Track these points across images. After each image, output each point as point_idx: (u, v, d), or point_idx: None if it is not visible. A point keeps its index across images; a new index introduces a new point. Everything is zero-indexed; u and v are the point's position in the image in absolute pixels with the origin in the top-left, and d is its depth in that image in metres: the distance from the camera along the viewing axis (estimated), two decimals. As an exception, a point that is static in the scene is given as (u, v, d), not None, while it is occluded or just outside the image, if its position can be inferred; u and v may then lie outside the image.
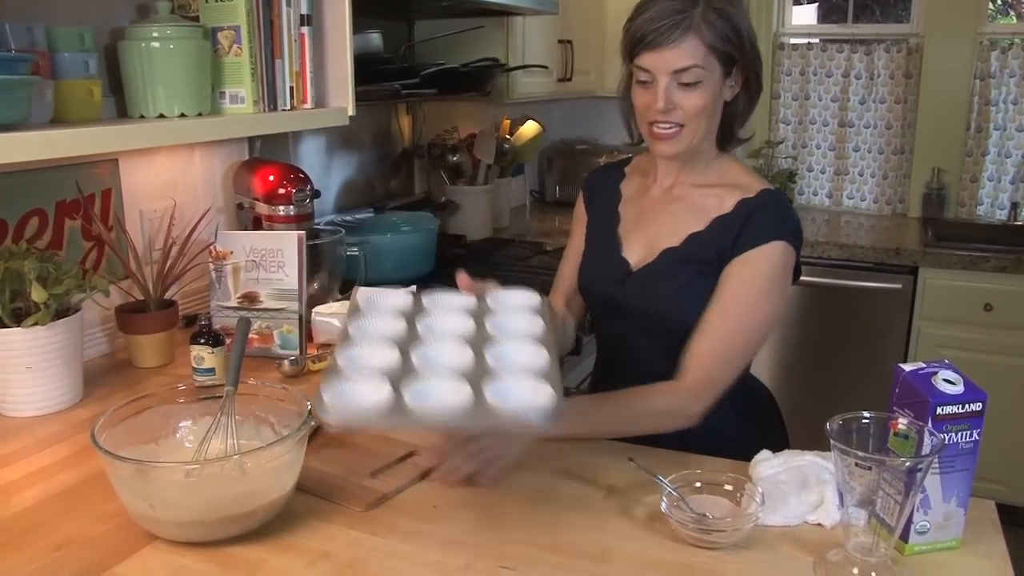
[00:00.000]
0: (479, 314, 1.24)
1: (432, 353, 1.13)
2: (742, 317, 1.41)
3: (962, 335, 3.21)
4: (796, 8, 4.06)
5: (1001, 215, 3.73)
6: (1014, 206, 3.69)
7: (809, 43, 3.93)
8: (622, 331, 1.51)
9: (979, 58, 3.64)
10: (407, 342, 1.16)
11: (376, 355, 1.12)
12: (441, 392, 1.04)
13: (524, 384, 1.06)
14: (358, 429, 1.03)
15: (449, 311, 1.25)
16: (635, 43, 1.40)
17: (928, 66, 3.73)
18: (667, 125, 1.41)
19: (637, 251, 1.54)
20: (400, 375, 1.07)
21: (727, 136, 1.52)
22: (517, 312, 1.25)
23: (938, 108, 3.74)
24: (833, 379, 3.37)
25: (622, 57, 1.46)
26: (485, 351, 1.13)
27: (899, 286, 3.24)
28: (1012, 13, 3.89)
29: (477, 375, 1.07)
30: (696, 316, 1.43)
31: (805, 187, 4.05)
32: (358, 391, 1.04)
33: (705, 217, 1.47)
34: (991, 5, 3.72)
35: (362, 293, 1.30)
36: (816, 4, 4.14)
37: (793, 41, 3.98)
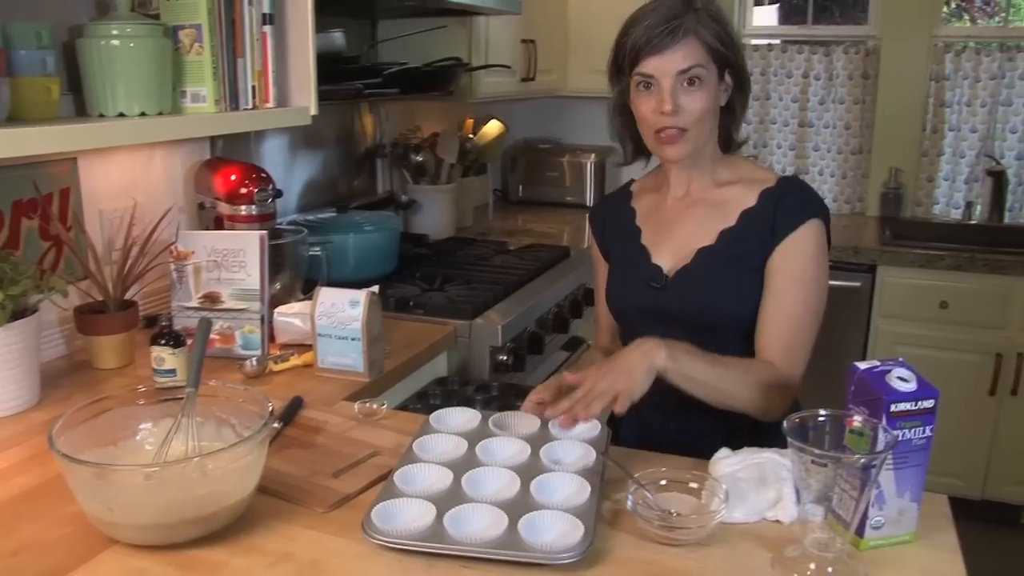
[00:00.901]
0: (537, 440, 1.32)
1: (481, 479, 1.21)
2: (805, 299, 1.46)
3: (919, 332, 3.28)
4: (757, 9, 4.11)
5: (956, 214, 3.80)
6: (968, 205, 3.76)
7: (770, 44, 3.98)
8: (663, 335, 1.43)
9: (934, 60, 3.71)
10: (462, 465, 1.25)
11: (431, 477, 1.22)
12: (479, 521, 1.11)
13: (559, 521, 1.11)
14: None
15: (510, 436, 1.34)
16: (637, 51, 1.43)
17: (885, 68, 3.79)
18: (672, 129, 1.45)
19: (667, 257, 1.55)
20: (447, 499, 1.15)
21: (728, 139, 1.56)
22: (574, 443, 1.32)
23: (895, 109, 3.81)
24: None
25: (614, 72, 1.51)
26: (531, 482, 1.19)
27: (858, 284, 3.30)
28: (965, 16, 3.95)
29: (518, 507, 1.14)
30: (747, 310, 1.48)
31: (766, 186, 4.09)
32: (405, 512, 1.13)
33: (731, 213, 1.51)
34: (944, 8, 3.79)
35: (435, 415, 1.42)
36: (776, 5, 4.18)
37: (754, 42, 4.02)
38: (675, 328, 1.46)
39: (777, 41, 4.00)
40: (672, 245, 1.55)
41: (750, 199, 1.50)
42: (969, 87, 3.69)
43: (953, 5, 3.89)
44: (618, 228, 1.65)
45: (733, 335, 1.48)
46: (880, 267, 3.28)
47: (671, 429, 1.56)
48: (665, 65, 1.41)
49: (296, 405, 1.53)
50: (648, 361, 1.33)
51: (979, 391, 3.24)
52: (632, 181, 1.72)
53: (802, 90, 3.92)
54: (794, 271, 1.46)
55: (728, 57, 1.45)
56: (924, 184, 3.83)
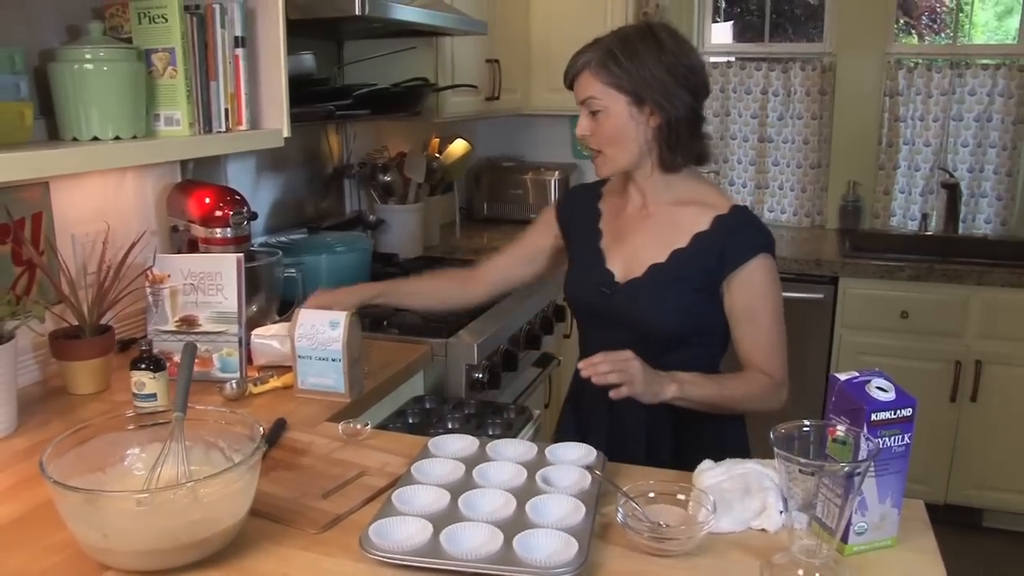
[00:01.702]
0: (534, 465, 1.35)
1: (477, 501, 1.23)
2: (772, 319, 1.61)
3: (881, 342, 3.34)
4: (715, 27, 4.18)
5: (913, 226, 3.89)
6: (924, 217, 3.85)
7: (728, 61, 4.05)
8: (607, 337, 1.60)
9: (887, 76, 3.80)
10: (459, 487, 1.26)
11: (428, 497, 1.23)
12: (475, 538, 1.13)
13: (553, 539, 1.13)
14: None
15: (506, 461, 1.36)
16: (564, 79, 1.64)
17: (841, 84, 3.88)
18: (591, 151, 1.65)
19: (620, 264, 1.68)
20: (443, 518, 1.17)
21: (666, 160, 1.63)
22: (569, 467, 1.34)
23: (851, 124, 3.89)
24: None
25: None
26: (527, 503, 1.21)
27: (821, 296, 3.35)
28: (914, 33, 4.06)
29: (513, 526, 1.16)
30: (682, 325, 1.62)
31: (727, 201, 4.15)
32: (402, 529, 1.15)
33: (685, 233, 1.62)
34: (894, 25, 3.88)
35: (433, 440, 1.44)
36: (731, 23, 4.25)
37: (713, 59, 4.09)
38: (617, 331, 1.61)
39: (734, 59, 4.06)
40: (624, 253, 1.68)
41: (704, 223, 1.62)
42: (922, 102, 3.78)
43: (902, 22, 3.99)
44: (583, 224, 1.77)
45: (664, 344, 1.61)
46: (842, 279, 3.34)
47: (602, 420, 1.71)
48: (575, 95, 1.62)
49: (280, 427, 1.53)
50: (658, 392, 1.48)
51: (940, 398, 3.31)
52: (605, 181, 1.81)
53: (761, 106, 3.99)
54: (757, 301, 1.61)
55: (635, 90, 1.55)
56: (881, 197, 3.92)
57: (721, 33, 4.22)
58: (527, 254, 1.92)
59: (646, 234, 1.66)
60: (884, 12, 3.80)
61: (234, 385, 1.73)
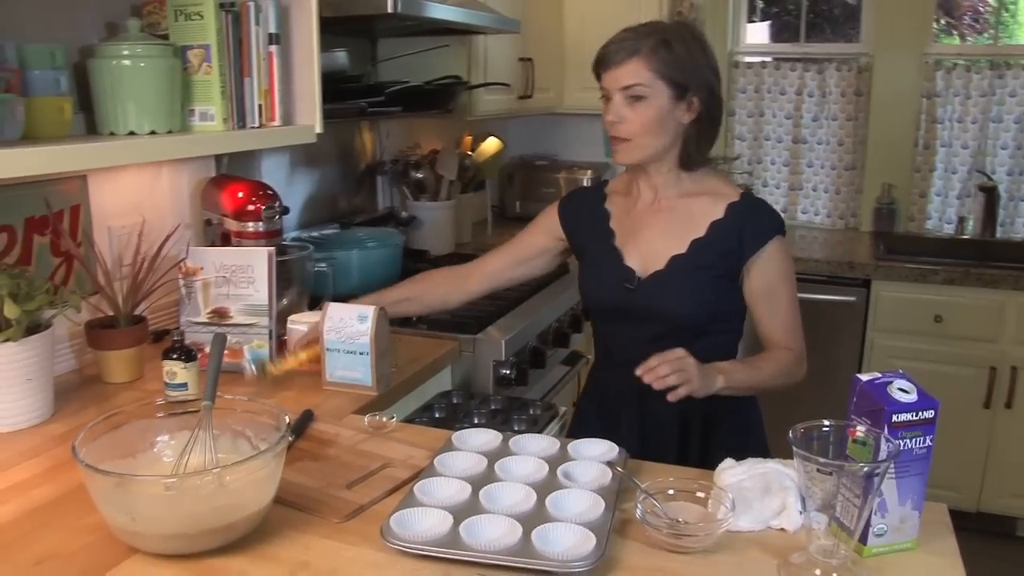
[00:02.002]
0: (556, 461, 1.36)
1: (498, 494, 1.24)
2: (789, 298, 1.69)
3: (913, 346, 3.31)
4: (750, 26, 4.16)
5: (949, 229, 3.85)
6: (961, 220, 3.81)
7: (763, 61, 4.03)
8: (632, 333, 1.67)
9: (925, 77, 3.76)
10: (481, 480, 1.28)
11: (449, 489, 1.25)
12: (494, 530, 1.14)
13: (572, 533, 1.14)
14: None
15: (528, 455, 1.37)
16: (595, 65, 1.64)
17: (877, 85, 3.85)
18: (616, 139, 1.64)
19: (637, 260, 1.70)
20: (464, 510, 1.19)
21: (686, 157, 1.68)
22: (590, 463, 1.35)
23: (888, 125, 3.86)
24: (792, 390, 3.44)
25: None
26: (547, 497, 1.23)
27: (853, 298, 3.33)
28: (955, 33, 4.01)
29: (532, 519, 1.17)
30: (706, 312, 1.66)
31: (760, 202, 4.14)
32: (422, 520, 1.16)
33: (701, 223, 1.67)
34: (934, 25, 3.84)
35: (457, 434, 1.45)
36: (768, 23, 4.23)
37: (747, 59, 4.07)
38: (641, 325, 1.66)
39: (770, 59, 4.04)
40: (641, 249, 1.70)
41: (718, 211, 1.67)
42: (960, 104, 3.74)
43: (943, 22, 3.94)
44: (592, 227, 1.78)
45: (688, 334, 1.62)
46: (875, 282, 3.31)
47: (631, 417, 1.72)
48: (612, 81, 1.61)
49: (307, 418, 1.56)
50: (710, 385, 1.54)
51: (974, 404, 3.28)
52: (606, 182, 1.84)
53: (796, 107, 3.97)
54: (776, 281, 1.67)
55: (683, 82, 1.60)
56: (917, 199, 3.88)
57: (756, 33, 4.20)
58: (525, 255, 1.93)
59: (661, 228, 1.69)
60: (922, 12, 3.76)
61: (252, 368, 1.75)
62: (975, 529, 3.22)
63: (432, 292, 2.00)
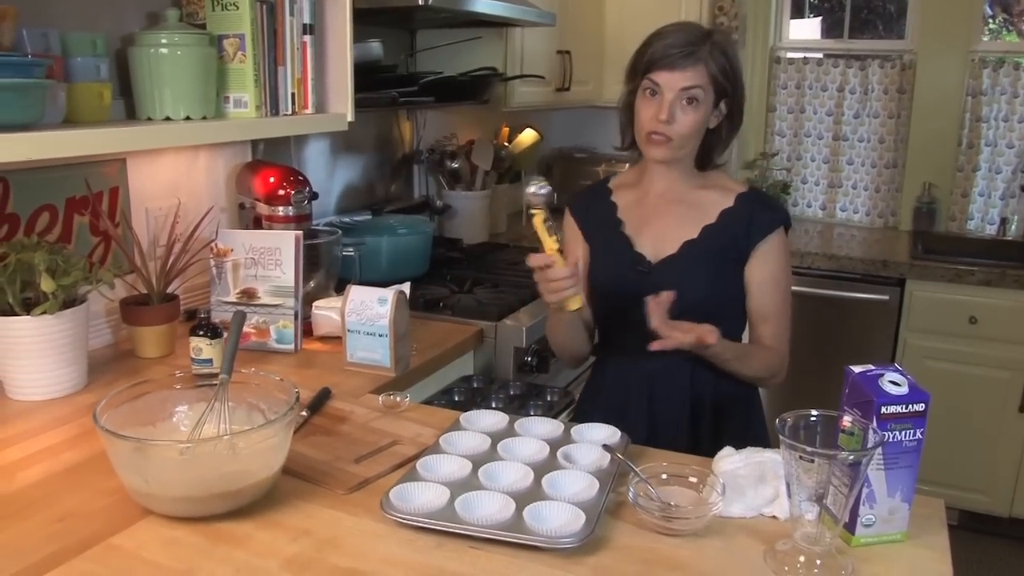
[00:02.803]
0: (558, 443, 1.40)
1: (497, 472, 1.29)
2: (784, 294, 1.74)
3: (947, 347, 3.28)
4: (795, 23, 4.14)
5: (991, 230, 3.80)
6: (1003, 221, 3.76)
7: (805, 57, 4.01)
8: (643, 317, 1.62)
9: (971, 75, 3.72)
10: (482, 459, 1.33)
11: (451, 466, 1.30)
12: (488, 506, 1.19)
13: (563, 512, 1.18)
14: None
15: (531, 437, 1.42)
16: (653, 61, 1.64)
17: (921, 82, 3.81)
18: (661, 136, 1.65)
19: (649, 247, 1.74)
20: (462, 487, 1.23)
21: (705, 159, 1.75)
22: (591, 446, 1.39)
23: (930, 124, 3.82)
24: (820, 386, 3.42)
25: (630, 73, 1.71)
26: (544, 477, 1.27)
27: (886, 297, 3.31)
28: (1013, 30, 3.93)
29: (527, 497, 1.21)
30: (719, 294, 1.71)
31: (799, 199, 4.12)
32: (421, 494, 1.21)
33: (712, 211, 1.72)
34: (992, 23, 3.78)
35: (465, 415, 1.50)
36: (819, 18, 4.20)
37: (790, 55, 4.06)
38: None
39: (817, 55, 4.02)
40: (653, 235, 1.74)
41: (728, 201, 1.73)
42: (1007, 102, 3.69)
43: (1000, 19, 3.88)
44: (599, 219, 1.81)
45: (701, 317, 1.61)
46: (909, 281, 3.29)
47: (640, 406, 1.76)
48: (673, 81, 1.62)
49: (324, 396, 1.62)
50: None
51: (1008, 407, 3.24)
52: (608, 179, 1.89)
53: (837, 103, 3.95)
54: (775, 273, 1.72)
55: (726, 88, 1.66)
56: (959, 199, 3.83)
57: (800, 29, 4.17)
58: (583, 272, 1.79)
59: (672, 217, 1.74)
60: (970, 9, 3.71)
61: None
62: (1007, 535, 3.18)
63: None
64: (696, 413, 1.74)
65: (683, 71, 1.61)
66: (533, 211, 1.59)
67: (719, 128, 1.71)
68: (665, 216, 1.74)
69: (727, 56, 1.65)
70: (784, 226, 1.73)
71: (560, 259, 1.57)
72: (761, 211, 1.71)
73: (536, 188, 1.60)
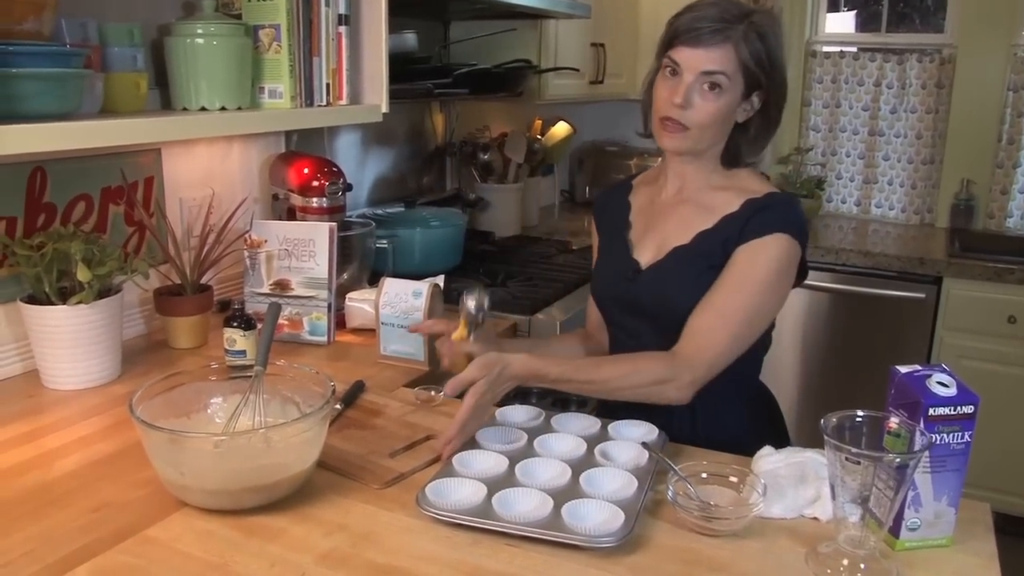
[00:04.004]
0: (594, 439, 1.38)
1: (534, 469, 1.27)
2: (743, 300, 1.45)
3: (985, 346, 3.22)
4: (831, 16, 4.08)
5: (1031, 228, 3.73)
6: (1045, 219, 3.69)
7: (841, 51, 3.95)
8: (634, 327, 1.58)
9: (1013, 70, 3.64)
10: (519, 455, 1.31)
11: (487, 462, 1.29)
12: (526, 503, 1.18)
13: (602, 510, 1.17)
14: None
15: (568, 433, 1.40)
16: (676, 35, 1.46)
17: (960, 77, 3.74)
18: (675, 124, 1.47)
19: (648, 252, 1.59)
20: (499, 483, 1.22)
21: (732, 156, 1.56)
22: (628, 443, 1.37)
23: (969, 119, 3.75)
24: (855, 384, 3.40)
25: (658, 50, 1.52)
26: (582, 474, 1.25)
27: (922, 295, 3.26)
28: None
29: (565, 495, 1.19)
30: None
31: (834, 194, 4.07)
32: (458, 490, 1.20)
33: (714, 216, 1.52)
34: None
35: (501, 410, 1.48)
36: (855, 12, 4.14)
37: (825, 49, 4.00)
38: (642, 319, 1.55)
39: (853, 49, 3.96)
40: (654, 242, 1.59)
41: (734, 206, 1.51)
42: (1051, 98, 3.62)
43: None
44: (612, 220, 1.69)
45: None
46: (946, 279, 3.23)
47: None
48: (694, 60, 1.44)
49: (358, 389, 1.61)
50: (507, 388, 1.40)
51: (1048, 409, 3.18)
52: (635, 175, 1.76)
53: (873, 98, 3.89)
54: (743, 272, 1.46)
55: (759, 79, 1.46)
56: (998, 196, 3.76)
57: (835, 23, 4.12)
58: None
59: (676, 220, 1.57)
60: (1012, 2, 3.63)
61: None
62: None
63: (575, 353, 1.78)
64: (694, 416, 1.56)
65: (708, 49, 1.42)
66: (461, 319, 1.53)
67: (748, 124, 1.52)
68: (671, 218, 1.58)
69: (765, 42, 1.44)
70: (784, 232, 1.46)
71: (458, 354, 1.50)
72: (761, 214, 1.48)
73: (471, 303, 1.51)
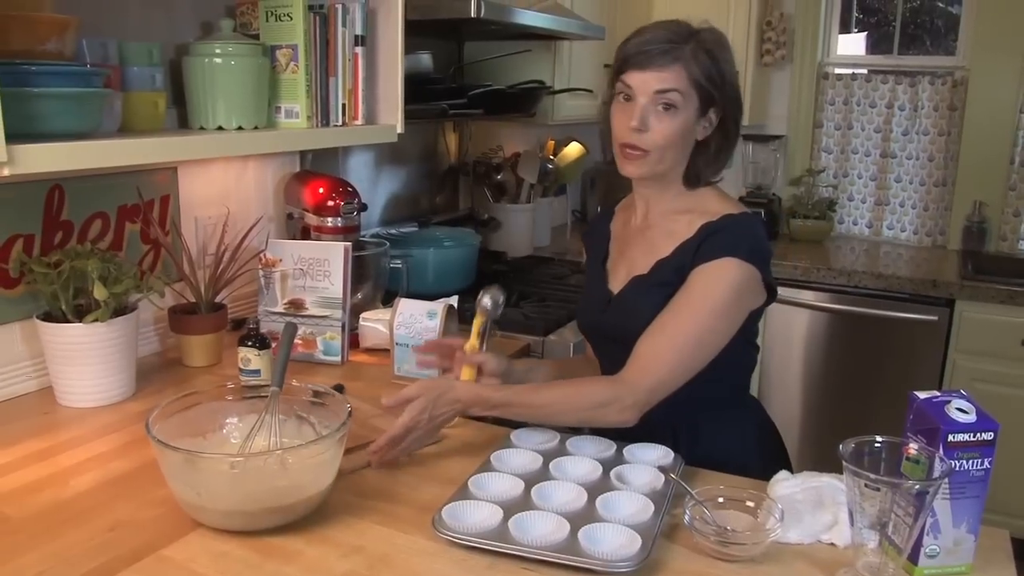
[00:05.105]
0: (610, 463, 1.38)
1: (550, 492, 1.27)
2: (689, 324, 1.43)
3: (997, 369, 3.20)
4: (843, 38, 4.09)
5: (1045, 251, 3.72)
6: (1058, 243, 3.68)
7: (853, 73, 3.96)
8: (610, 353, 1.57)
9: (1026, 92, 3.64)
10: (535, 478, 1.31)
11: (503, 485, 1.28)
12: (542, 527, 1.17)
13: (619, 535, 1.16)
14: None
15: (584, 456, 1.39)
16: (626, 60, 1.47)
17: (973, 99, 3.73)
18: (635, 150, 1.47)
19: (618, 281, 1.60)
20: (515, 506, 1.22)
21: (694, 176, 1.55)
22: (644, 467, 1.37)
23: (982, 141, 3.74)
24: (867, 407, 3.38)
25: (610, 78, 1.52)
26: (598, 498, 1.24)
27: (935, 318, 3.24)
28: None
29: (582, 518, 1.19)
30: None
31: (845, 216, 4.07)
32: (474, 513, 1.20)
33: (673, 242, 1.52)
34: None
35: (516, 432, 1.48)
36: (865, 34, 4.15)
37: (838, 71, 4.01)
38: (615, 346, 1.53)
39: (864, 71, 3.97)
40: (624, 269, 1.60)
41: (692, 231, 1.50)
42: (1064, 121, 3.61)
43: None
44: (595, 249, 1.71)
45: None
46: (958, 302, 3.22)
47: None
48: (646, 82, 1.43)
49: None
50: (449, 413, 1.41)
51: (1061, 433, 3.16)
52: (618, 201, 1.76)
53: (885, 120, 3.89)
54: (692, 295, 1.45)
55: (712, 95, 1.46)
56: (1011, 219, 3.75)
57: (848, 44, 4.12)
58: None
59: (643, 247, 1.58)
60: (1025, 26, 3.64)
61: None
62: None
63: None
64: (676, 438, 1.54)
65: (658, 71, 1.42)
66: (477, 315, 1.57)
67: (708, 141, 1.51)
68: (639, 245, 1.58)
69: (713, 57, 1.45)
70: (733, 256, 1.44)
71: (468, 367, 1.52)
72: (712, 238, 1.46)
73: (487, 300, 1.56)
